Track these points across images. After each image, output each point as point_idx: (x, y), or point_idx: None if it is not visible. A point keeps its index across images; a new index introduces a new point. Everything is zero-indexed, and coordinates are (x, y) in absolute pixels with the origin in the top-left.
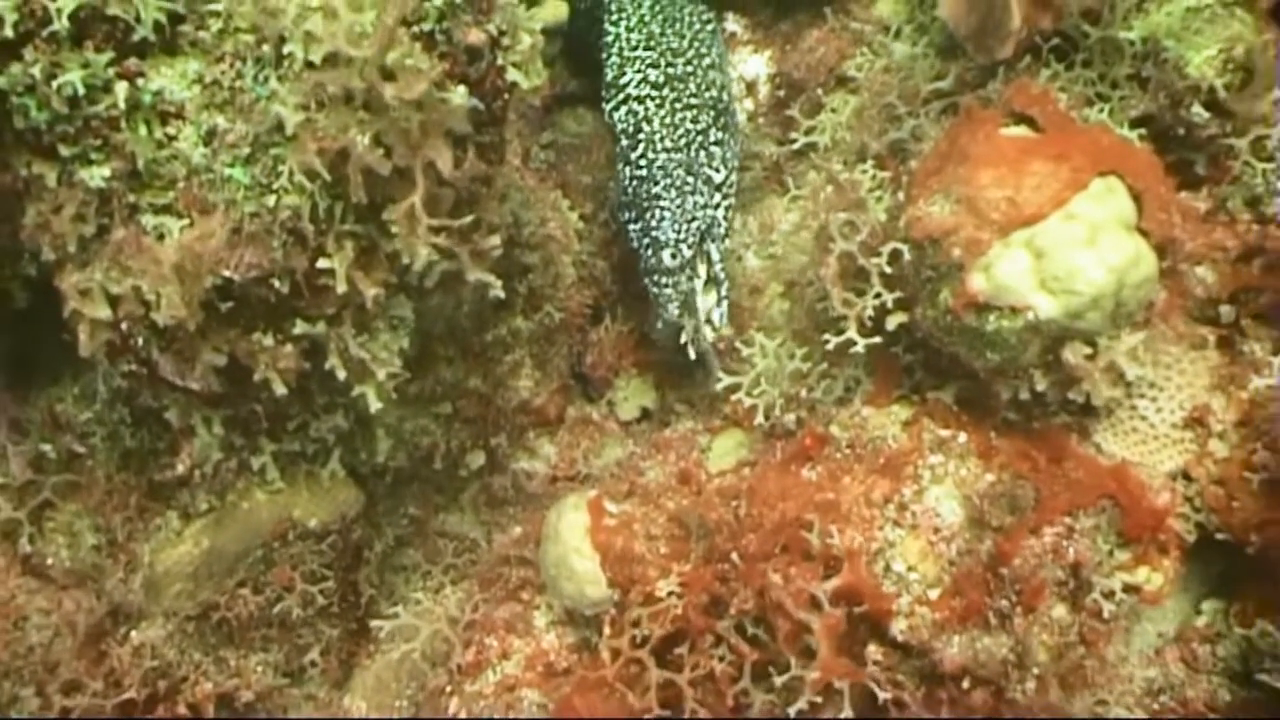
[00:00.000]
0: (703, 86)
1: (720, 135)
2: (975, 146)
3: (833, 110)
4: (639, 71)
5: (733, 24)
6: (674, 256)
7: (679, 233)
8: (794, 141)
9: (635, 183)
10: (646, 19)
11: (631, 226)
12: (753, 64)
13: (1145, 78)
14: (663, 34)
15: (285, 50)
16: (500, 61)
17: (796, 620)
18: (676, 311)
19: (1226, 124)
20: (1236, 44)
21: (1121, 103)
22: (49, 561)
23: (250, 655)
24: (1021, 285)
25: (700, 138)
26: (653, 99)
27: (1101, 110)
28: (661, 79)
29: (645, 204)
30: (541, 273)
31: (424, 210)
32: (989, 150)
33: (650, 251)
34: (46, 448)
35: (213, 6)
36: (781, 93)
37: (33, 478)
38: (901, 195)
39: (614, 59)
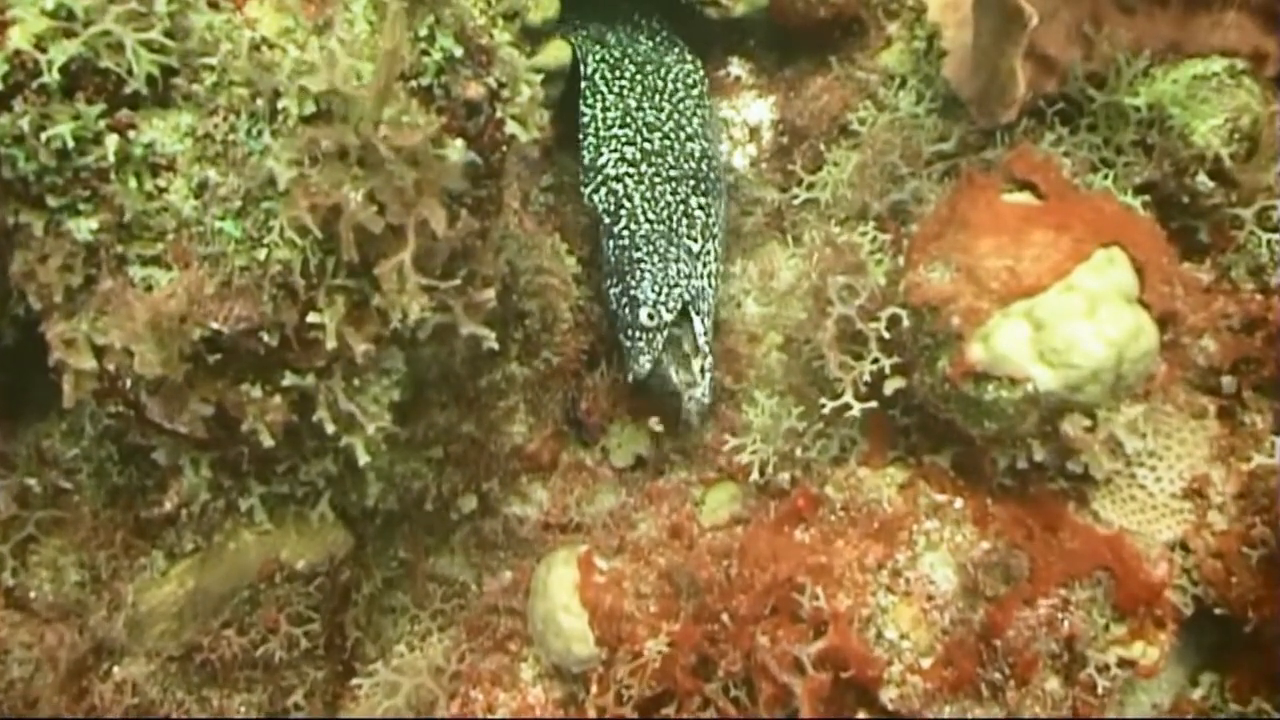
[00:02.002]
0: (681, 158)
1: (702, 201)
2: (976, 213)
3: (835, 164)
4: (615, 151)
5: (736, 68)
6: (651, 317)
7: (658, 294)
8: (795, 197)
9: (618, 252)
10: (624, 93)
11: (613, 291)
12: (756, 109)
13: (1150, 145)
14: (639, 108)
15: (279, 105)
16: (499, 115)
17: (780, 683)
18: (648, 367)
19: (1231, 193)
20: (1243, 114)
21: (1125, 169)
22: (32, 595)
23: (234, 695)
24: (1020, 356)
25: (682, 207)
26: (631, 176)
27: (1105, 176)
28: (638, 155)
29: (627, 268)
30: (537, 319)
31: (416, 266)
32: (989, 218)
33: (628, 310)
34: (32, 482)
35: (207, 60)
36: (784, 139)
37: (17, 512)
38: (901, 259)
39: (590, 140)
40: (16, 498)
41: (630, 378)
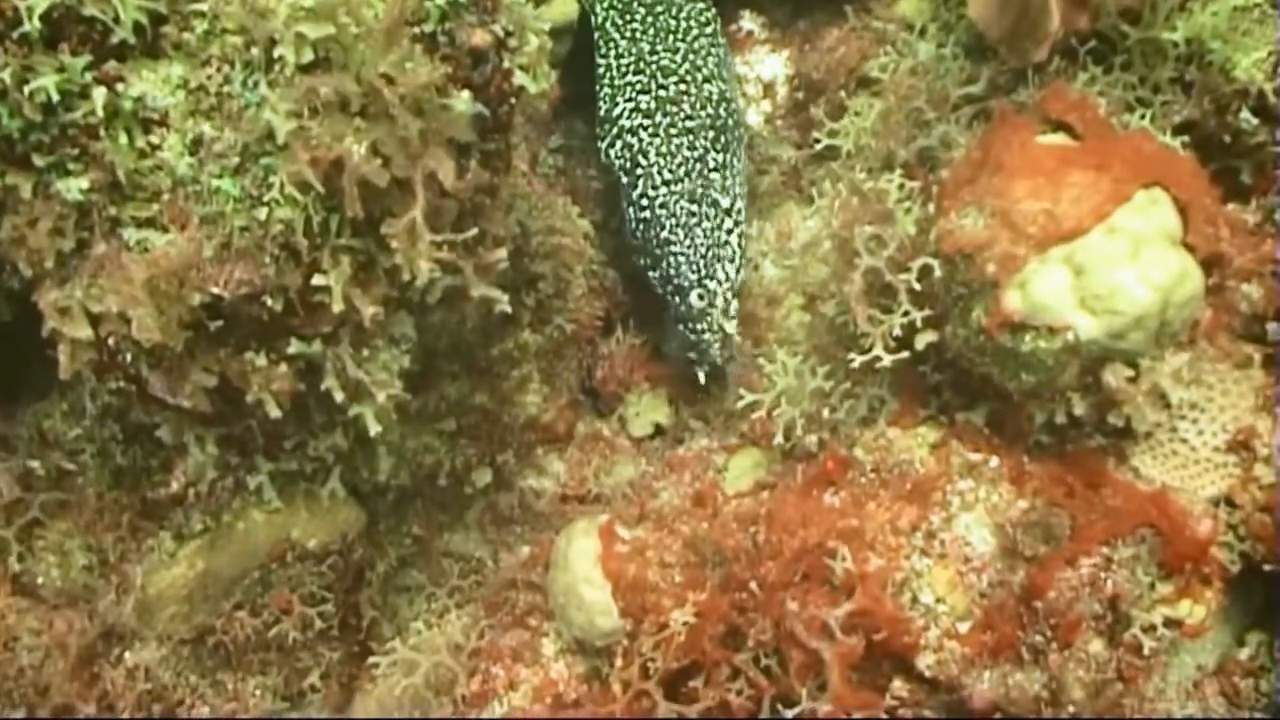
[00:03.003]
0: (698, 105)
1: (721, 157)
2: (1009, 156)
3: (856, 114)
4: (630, 100)
5: (749, 22)
6: (701, 297)
7: (697, 271)
8: (816, 143)
9: (641, 226)
10: (637, 36)
11: (651, 274)
12: (770, 64)
13: (1189, 81)
14: (653, 52)
15: (276, 53)
16: (506, 64)
17: (810, 649)
18: (720, 356)
19: (1276, 131)
20: None
21: (1163, 108)
22: (39, 581)
23: (248, 679)
24: (1060, 304)
25: (699, 164)
26: (645, 128)
27: (1142, 116)
28: (653, 104)
29: (657, 250)
30: (550, 284)
31: (425, 224)
32: (1024, 160)
33: (677, 300)
34: (34, 465)
35: (197, 6)
36: (800, 94)
37: (21, 495)
38: (931, 207)
39: (605, 90)
40: (19, 480)
41: (704, 371)
